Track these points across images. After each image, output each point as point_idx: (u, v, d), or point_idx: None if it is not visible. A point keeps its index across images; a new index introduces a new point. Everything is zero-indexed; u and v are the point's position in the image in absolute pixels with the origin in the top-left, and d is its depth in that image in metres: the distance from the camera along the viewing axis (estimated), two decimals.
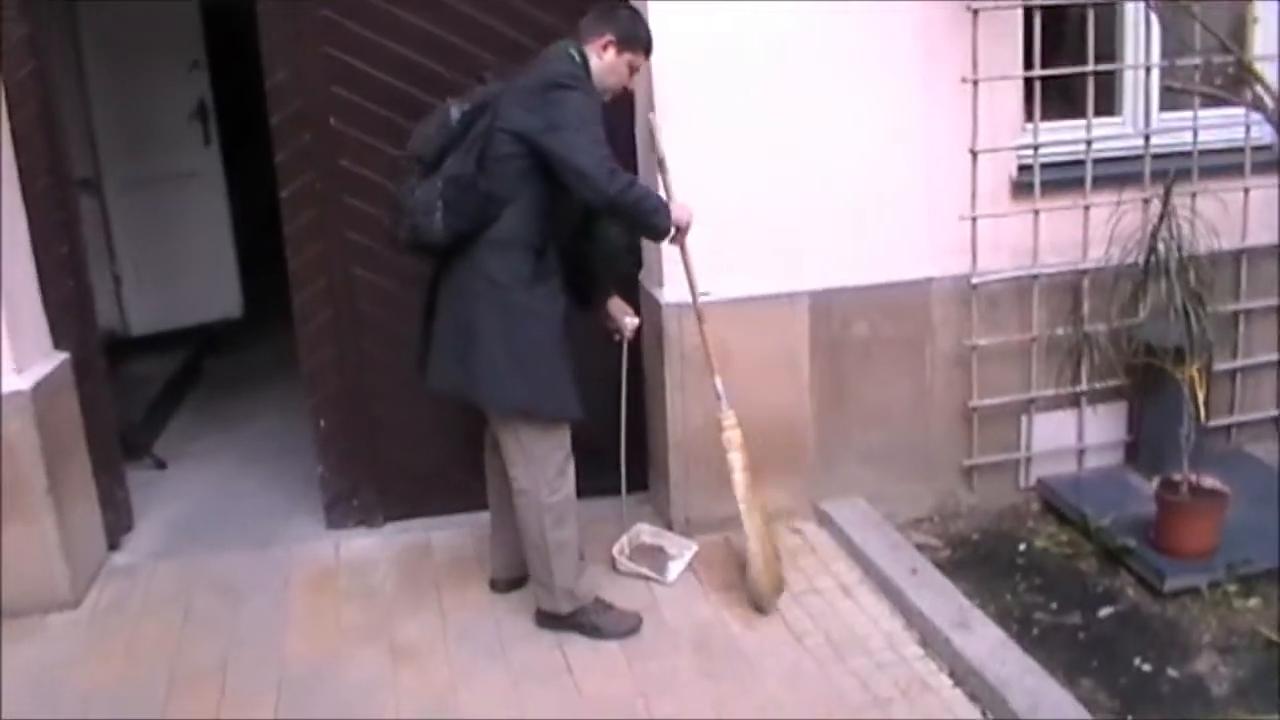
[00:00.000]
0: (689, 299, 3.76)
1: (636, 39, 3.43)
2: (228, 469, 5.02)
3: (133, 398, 5.33)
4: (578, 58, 3.33)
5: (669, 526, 4.08)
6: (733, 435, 3.65)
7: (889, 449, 4.12)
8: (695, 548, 3.97)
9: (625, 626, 3.57)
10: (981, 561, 3.93)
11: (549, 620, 3.56)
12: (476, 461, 3.74)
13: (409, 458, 4.20)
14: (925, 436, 4.14)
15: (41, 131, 3.86)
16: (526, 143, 3.21)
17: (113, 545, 4.22)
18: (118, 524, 4.27)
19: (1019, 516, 4.20)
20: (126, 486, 4.41)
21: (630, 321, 3.74)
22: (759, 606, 3.65)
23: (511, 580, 3.77)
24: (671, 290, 3.89)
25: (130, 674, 3.49)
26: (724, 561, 3.90)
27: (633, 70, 3.46)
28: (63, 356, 3.94)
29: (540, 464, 3.39)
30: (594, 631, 3.54)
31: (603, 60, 3.37)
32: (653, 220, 3.35)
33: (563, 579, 3.50)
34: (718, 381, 3.67)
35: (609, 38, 3.37)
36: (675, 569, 3.89)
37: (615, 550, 3.92)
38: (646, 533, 4.06)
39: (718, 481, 3.90)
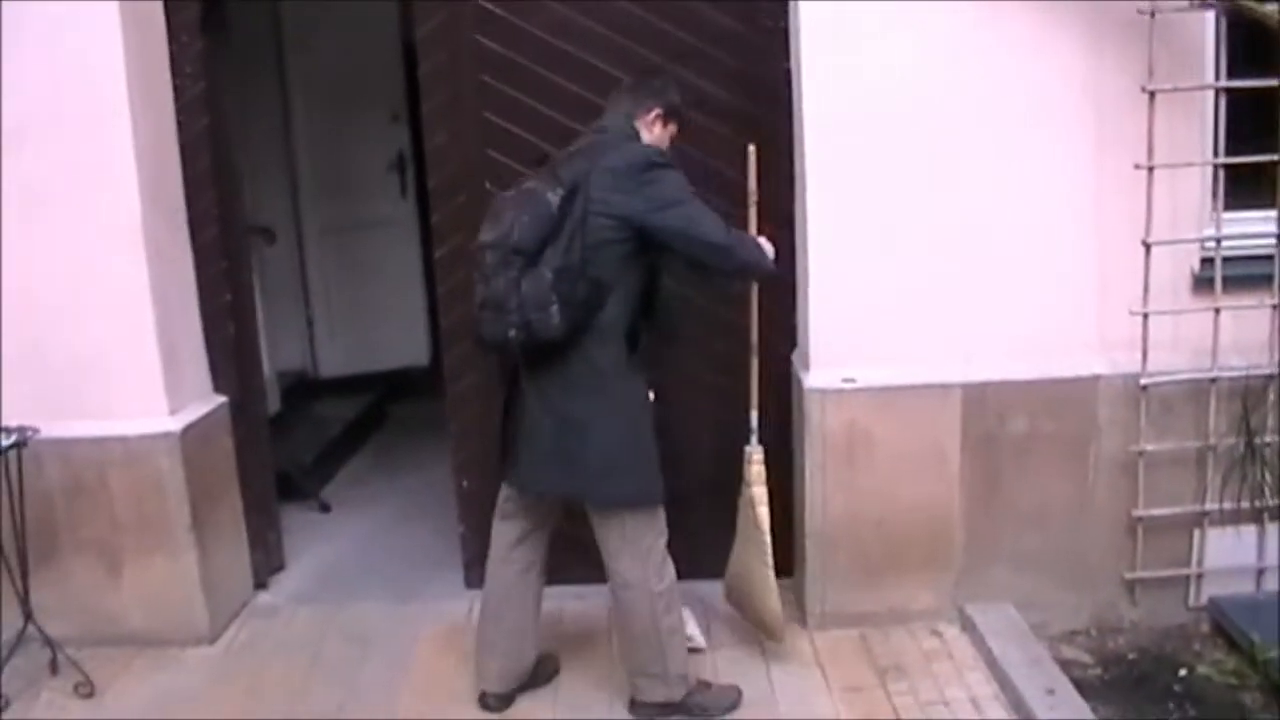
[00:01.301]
0: (834, 384, 3.67)
1: (679, 109, 3.38)
2: (385, 517, 5.09)
3: (309, 439, 5.52)
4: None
5: (803, 617, 3.89)
6: (759, 471, 3.61)
7: (1044, 554, 3.79)
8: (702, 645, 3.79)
9: (729, 701, 3.46)
10: (1134, 685, 3.56)
11: (656, 711, 3.39)
12: None
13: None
14: (1084, 544, 3.79)
15: (213, 184, 4.00)
16: (630, 227, 3.09)
17: (260, 584, 4.31)
18: (267, 564, 4.36)
19: (1184, 638, 3.79)
20: (279, 528, 4.51)
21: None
22: (774, 634, 3.66)
23: (507, 696, 3.52)
24: (817, 375, 3.72)
25: (246, 713, 3.55)
26: (854, 658, 3.67)
27: (673, 141, 3.36)
28: (220, 400, 4.06)
29: (646, 553, 3.26)
30: (701, 712, 3.40)
31: (652, 134, 3.29)
32: (765, 270, 3.32)
33: (676, 665, 3.36)
34: (753, 416, 3.62)
35: (657, 111, 3.29)
36: (697, 634, 3.74)
37: None
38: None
39: (858, 574, 3.81)
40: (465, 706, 3.51)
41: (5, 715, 3.54)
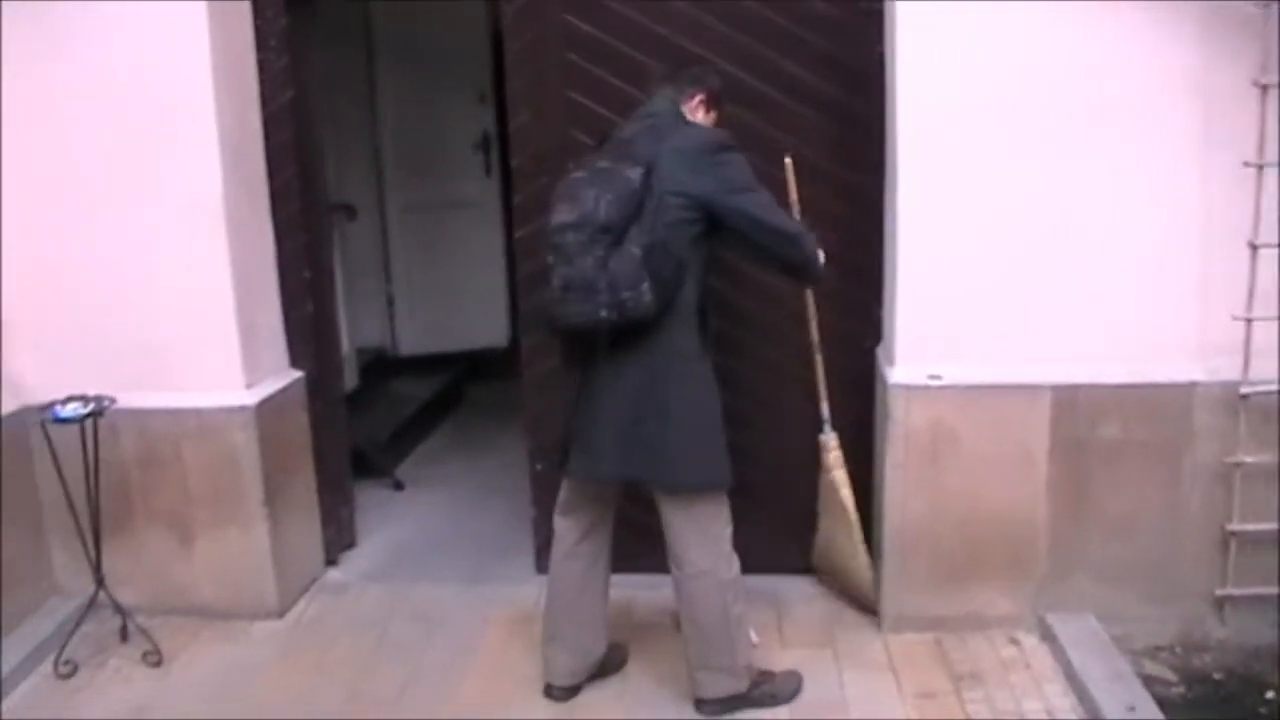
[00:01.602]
0: (919, 381, 3.56)
1: (720, 95, 3.33)
2: (459, 497, 5.07)
3: (385, 417, 5.51)
4: None
5: (878, 619, 3.76)
6: (837, 455, 3.76)
7: (1131, 565, 3.63)
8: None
9: (792, 689, 3.40)
10: (1219, 705, 3.39)
11: (720, 706, 3.30)
12: None
13: (626, 510, 3.88)
14: (1174, 557, 3.62)
15: (294, 158, 3.98)
16: (700, 207, 3.02)
17: (331, 561, 4.30)
18: (338, 541, 4.35)
19: (1273, 659, 3.58)
20: (352, 505, 4.49)
21: None
22: (867, 603, 3.79)
23: (574, 688, 3.45)
24: (902, 370, 3.59)
25: (311, 688, 3.53)
26: (929, 664, 3.54)
27: (719, 124, 3.30)
28: (297, 375, 4.05)
29: (716, 540, 3.19)
30: (771, 701, 3.35)
31: (697, 119, 3.22)
32: (820, 271, 3.22)
33: (744, 655, 3.30)
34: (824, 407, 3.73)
35: (701, 96, 3.26)
36: (753, 630, 3.65)
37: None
38: None
39: (938, 577, 3.69)
40: (530, 694, 3.45)
41: (73, 681, 3.55)
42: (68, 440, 3.58)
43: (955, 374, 3.57)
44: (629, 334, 3.03)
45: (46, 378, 3.74)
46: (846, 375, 3.86)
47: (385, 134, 6.15)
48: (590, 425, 3.18)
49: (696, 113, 3.25)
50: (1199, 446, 3.58)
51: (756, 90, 3.79)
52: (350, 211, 5.45)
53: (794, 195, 3.58)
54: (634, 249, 2.93)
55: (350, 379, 5.37)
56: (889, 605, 3.75)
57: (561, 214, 3.00)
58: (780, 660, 3.59)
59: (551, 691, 3.44)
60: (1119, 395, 3.56)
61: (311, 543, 4.18)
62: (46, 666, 3.62)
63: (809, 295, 3.66)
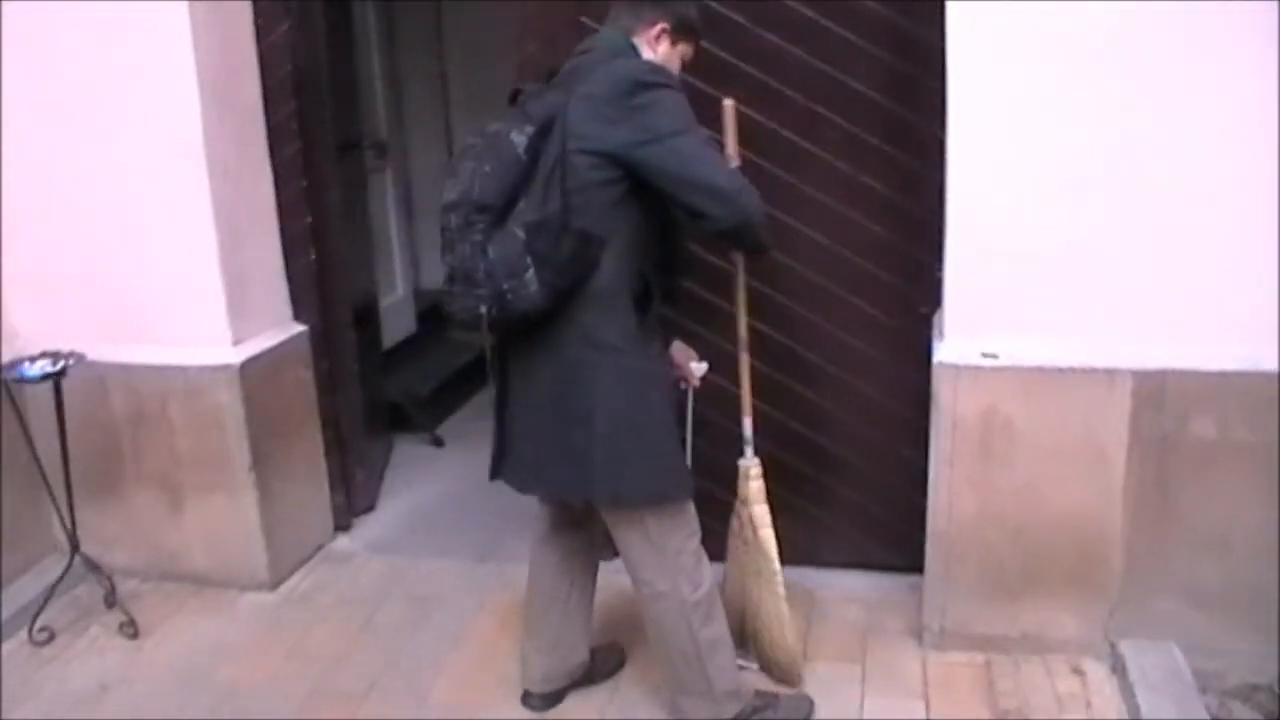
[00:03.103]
0: (970, 359, 2.95)
1: (691, 25, 2.67)
2: None
3: (435, 367, 5.13)
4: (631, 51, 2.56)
5: (919, 634, 3.21)
6: (759, 488, 2.98)
7: (1226, 590, 2.96)
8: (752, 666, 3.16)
9: (799, 714, 2.88)
10: None
11: None
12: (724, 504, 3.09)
13: None
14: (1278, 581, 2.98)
15: (294, 95, 3.59)
16: (618, 164, 2.43)
17: (343, 526, 3.97)
18: (352, 505, 4.02)
19: None
20: (370, 467, 4.17)
21: (698, 367, 2.95)
22: (790, 677, 3.05)
23: (551, 694, 3.01)
24: (951, 346, 2.98)
25: (280, 677, 3.23)
26: (969, 693, 2.98)
27: (684, 63, 2.66)
28: (298, 330, 3.70)
29: (676, 558, 2.66)
30: None
31: (656, 54, 2.58)
32: (765, 238, 2.61)
33: (723, 681, 2.77)
34: (746, 424, 2.99)
35: (662, 25, 2.60)
36: None
37: None
38: None
39: (988, 588, 3.11)
40: (505, 699, 3.04)
41: (48, 649, 3.34)
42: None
43: (1015, 352, 2.94)
44: (534, 327, 2.51)
45: (42, 329, 3.48)
46: (901, 346, 3.31)
47: (452, 70, 5.80)
48: (511, 433, 2.70)
49: (658, 45, 2.61)
50: None
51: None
52: (380, 149, 4.99)
53: (732, 142, 2.82)
54: (517, 229, 2.40)
55: (405, 325, 5.05)
56: (931, 617, 3.17)
57: (446, 192, 2.48)
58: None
59: (529, 699, 3.01)
60: (1218, 386, 2.86)
61: (316, 509, 3.85)
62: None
63: (739, 272, 2.92)
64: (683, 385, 3.01)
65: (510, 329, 2.55)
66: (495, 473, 2.75)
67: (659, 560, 2.65)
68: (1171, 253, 2.85)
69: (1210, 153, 2.77)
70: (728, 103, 2.80)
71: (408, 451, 4.63)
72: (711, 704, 2.79)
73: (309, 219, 3.66)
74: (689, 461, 3.01)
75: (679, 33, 2.62)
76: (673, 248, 2.73)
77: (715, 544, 2.90)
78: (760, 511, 2.95)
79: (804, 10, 3.21)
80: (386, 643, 3.35)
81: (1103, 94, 2.80)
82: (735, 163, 2.75)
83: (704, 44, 2.85)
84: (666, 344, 2.88)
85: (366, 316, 4.30)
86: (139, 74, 3.31)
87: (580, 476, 2.58)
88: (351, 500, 4.01)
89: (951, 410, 3.00)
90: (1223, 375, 2.85)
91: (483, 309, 2.42)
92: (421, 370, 4.94)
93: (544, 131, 2.42)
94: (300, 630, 3.43)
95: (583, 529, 2.90)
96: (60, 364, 3.24)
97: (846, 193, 3.33)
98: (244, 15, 3.48)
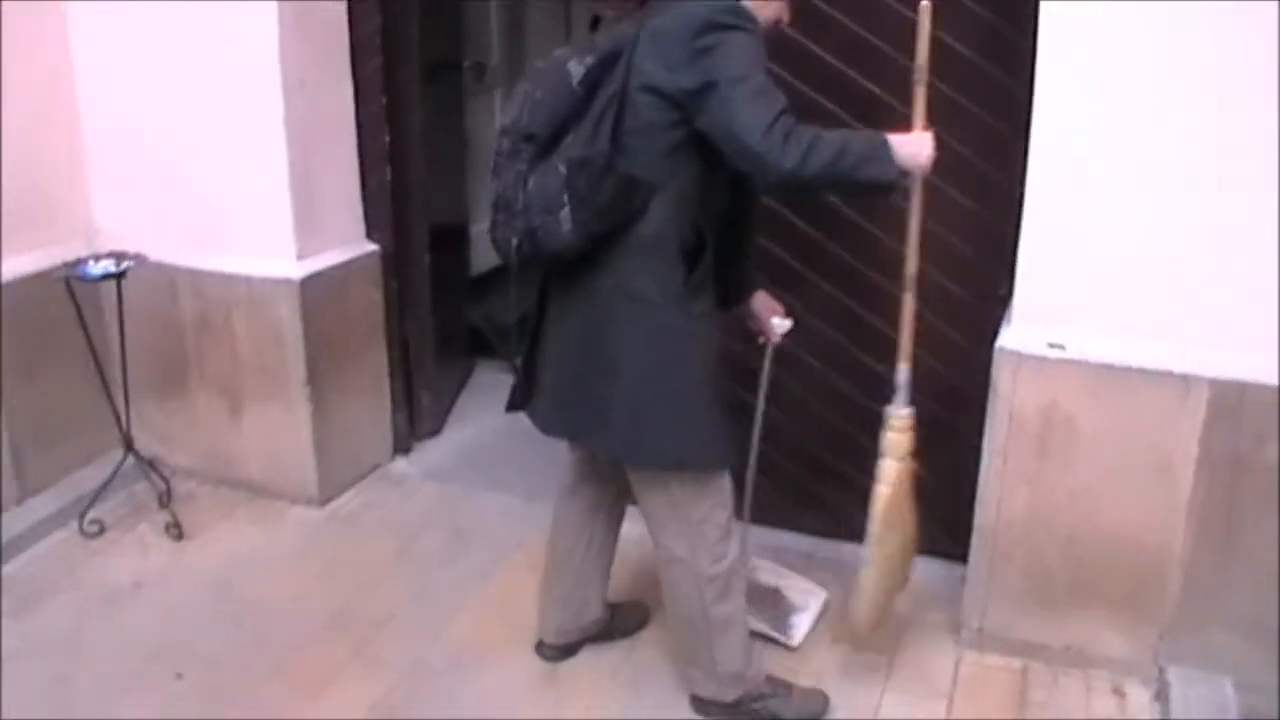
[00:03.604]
0: (1035, 348, 2.71)
1: None
2: None
3: (524, 294, 5.05)
4: None
5: (958, 631, 3.02)
6: (901, 439, 2.71)
7: None
8: (825, 596, 3.05)
9: (809, 712, 2.73)
10: None
11: (710, 709, 2.72)
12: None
13: None
14: None
15: (379, 8, 3.49)
16: (677, 107, 2.25)
17: (404, 449, 3.94)
18: (416, 429, 3.99)
19: None
20: (438, 391, 4.10)
21: (780, 323, 2.77)
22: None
23: (565, 647, 2.93)
24: (1016, 332, 2.74)
25: (307, 594, 3.24)
26: (998, 700, 2.78)
27: (785, 19, 2.42)
28: (370, 249, 3.66)
29: (698, 527, 2.51)
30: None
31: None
32: (867, 175, 2.29)
33: (728, 662, 2.64)
34: (902, 370, 2.69)
35: None
36: (800, 626, 3.00)
37: None
38: (765, 570, 3.14)
39: (1033, 594, 2.90)
40: (518, 645, 2.98)
41: (95, 542, 3.43)
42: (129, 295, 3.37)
43: (1085, 345, 2.69)
44: (571, 268, 2.39)
45: (125, 229, 3.56)
46: (975, 325, 3.05)
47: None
48: (541, 370, 2.58)
49: None
50: None
51: None
52: (479, 69, 4.80)
53: (922, 57, 2.50)
54: (560, 164, 2.26)
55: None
56: (970, 615, 2.96)
57: (500, 116, 2.38)
58: (821, 661, 2.96)
59: (542, 649, 2.95)
60: None
61: (376, 430, 3.83)
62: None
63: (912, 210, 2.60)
64: (761, 340, 2.86)
65: (545, 266, 2.45)
66: (514, 404, 2.65)
67: (680, 527, 2.53)
68: (1262, 258, 2.53)
69: None
70: (924, 2, 2.48)
71: (488, 379, 4.55)
72: (715, 683, 2.68)
73: (388, 138, 3.59)
74: (758, 429, 2.89)
75: None
76: (744, 202, 2.56)
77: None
78: (886, 466, 2.72)
79: None
80: (417, 572, 3.33)
81: (1194, 90, 2.49)
82: (921, 75, 2.47)
83: None
84: (740, 299, 2.74)
85: (453, 240, 4.24)
86: None
87: (602, 428, 2.47)
88: (416, 423, 3.98)
89: (1009, 401, 2.77)
90: None
91: (514, 240, 2.31)
92: (509, 299, 4.84)
93: (607, 63, 2.29)
94: (338, 550, 3.44)
95: (609, 483, 2.78)
96: (123, 265, 3.27)
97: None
98: None
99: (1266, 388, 2.57)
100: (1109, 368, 2.68)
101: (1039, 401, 2.76)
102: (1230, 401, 2.60)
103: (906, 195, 2.53)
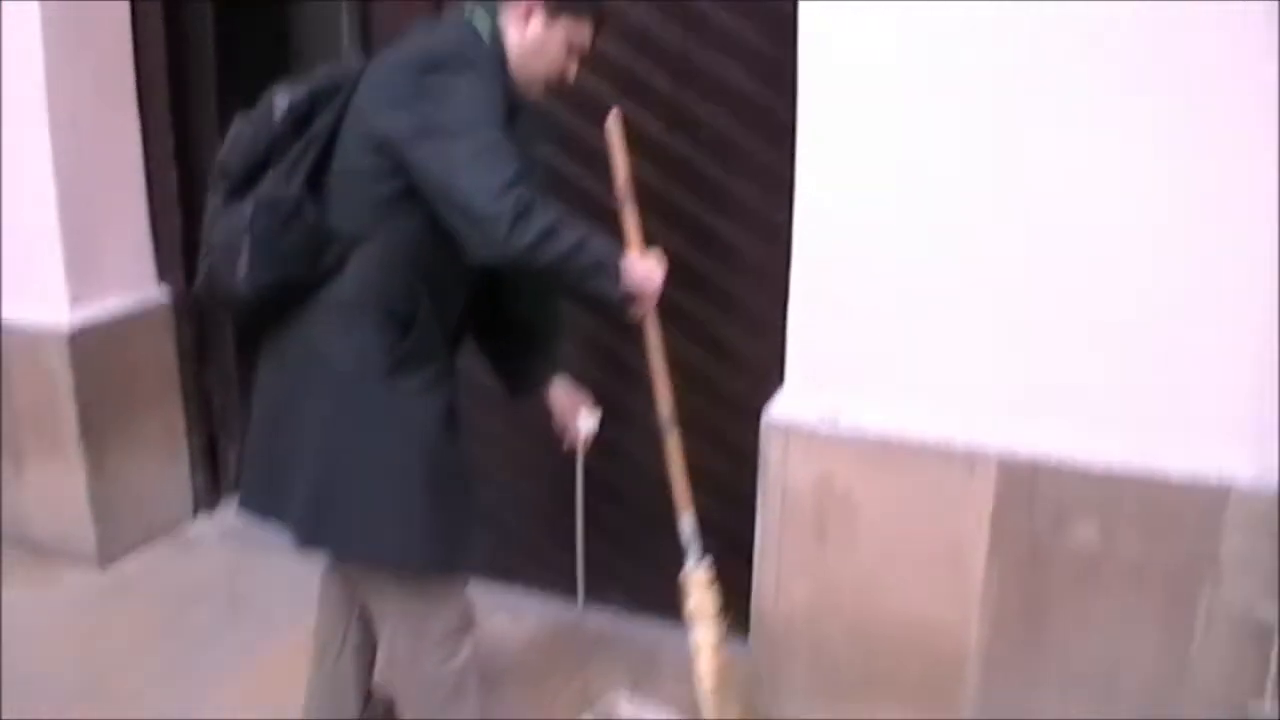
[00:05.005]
0: (807, 420, 2.41)
1: (574, 6, 2.10)
2: None
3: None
4: (485, 28, 2.05)
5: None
6: (705, 598, 2.35)
7: None
8: None
9: None
10: None
11: None
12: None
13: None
14: None
15: (163, 41, 3.25)
16: (390, 154, 1.98)
17: (208, 507, 3.66)
18: (219, 487, 3.69)
19: None
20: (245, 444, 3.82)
21: (586, 424, 2.40)
22: None
23: None
24: (787, 403, 2.45)
25: (56, 668, 2.92)
26: None
27: (573, 50, 2.12)
28: (154, 293, 3.40)
29: (419, 624, 2.20)
30: None
31: (525, 35, 2.08)
32: (596, 286, 2.02)
33: None
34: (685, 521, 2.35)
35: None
36: None
37: None
38: (625, 705, 2.73)
39: (821, 684, 2.56)
40: None
41: None
42: None
43: (861, 416, 2.39)
44: (273, 320, 2.12)
45: None
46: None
47: None
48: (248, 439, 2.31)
49: (530, 23, 2.11)
50: (1226, 579, 2.20)
51: None
52: None
53: (621, 171, 2.25)
54: (247, 205, 1.99)
55: None
56: (760, 709, 2.61)
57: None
58: None
59: None
60: (1104, 484, 2.24)
61: (171, 487, 3.53)
62: None
63: (653, 340, 2.29)
64: (565, 448, 2.47)
65: (231, 315, 2.24)
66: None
67: (399, 624, 2.23)
68: (1055, 328, 2.24)
69: (1116, 204, 2.15)
70: (613, 113, 2.24)
71: None
72: None
73: (176, 178, 3.33)
74: (580, 544, 2.46)
75: (559, 8, 2.10)
76: (518, 276, 2.23)
77: None
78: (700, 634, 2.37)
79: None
80: (180, 646, 3.02)
81: (975, 121, 2.21)
82: (624, 192, 2.21)
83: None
84: (525, 389, 2.43)
85: None
86: None
87: (284, 508, 2.15)
88: (222, 481, 3.67)
89: (781, 480, 2.47)
90: (1109, 472, 2.23)
91: (197, 283, 2.11)
92: None
93: (322, 98, 2.05)
94: (105, 617, 3.15)
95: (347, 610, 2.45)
96: None
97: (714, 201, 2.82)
98: None
99: (1062, 464, 2.25)
100: (887, 441, 2.38)
101: (813, 478, 2.45)
102: (1022, 479, 2.29)
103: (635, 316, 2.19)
